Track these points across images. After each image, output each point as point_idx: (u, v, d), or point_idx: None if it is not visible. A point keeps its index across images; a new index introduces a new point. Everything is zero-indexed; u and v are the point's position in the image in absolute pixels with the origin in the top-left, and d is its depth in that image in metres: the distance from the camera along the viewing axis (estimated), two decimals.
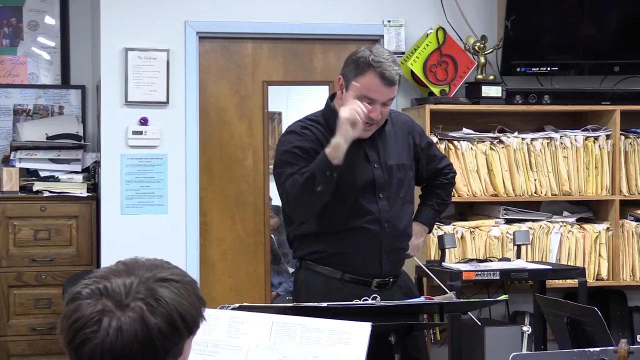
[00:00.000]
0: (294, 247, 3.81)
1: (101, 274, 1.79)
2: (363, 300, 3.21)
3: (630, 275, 5.62)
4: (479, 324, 4.26)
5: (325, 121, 3.72)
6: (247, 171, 5.64)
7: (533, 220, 5.53)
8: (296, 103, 7.10)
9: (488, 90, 5.53)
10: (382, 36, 5.60)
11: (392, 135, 3.79)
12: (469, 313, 3.97)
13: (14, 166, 5.50)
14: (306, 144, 3.66)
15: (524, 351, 4.79)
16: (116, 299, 1.74)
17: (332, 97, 3.80)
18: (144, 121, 5.40)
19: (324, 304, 3.13)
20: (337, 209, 3.63)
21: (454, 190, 4.48)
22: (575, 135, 5.59)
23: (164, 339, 1.74)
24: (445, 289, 4.05)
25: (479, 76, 5.61)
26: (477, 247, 5.40)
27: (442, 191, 4.01)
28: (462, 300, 4.15)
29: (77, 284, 1.79)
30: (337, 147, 3.51)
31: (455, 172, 4.07)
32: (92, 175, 5.65)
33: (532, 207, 5.62)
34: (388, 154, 3.75)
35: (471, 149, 5.45)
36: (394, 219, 3.72)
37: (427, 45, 5.52)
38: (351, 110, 3.52)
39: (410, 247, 3.88)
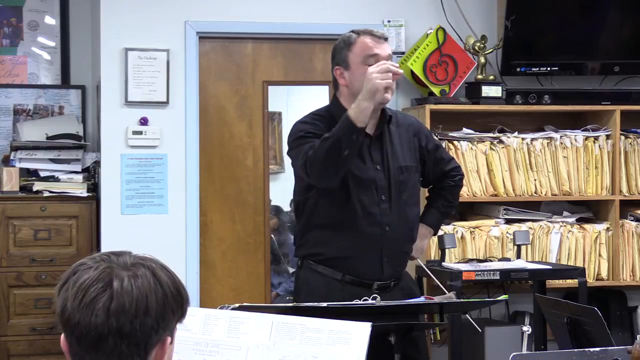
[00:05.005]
0: (298, 243, 3.77)
1: (97, 255, 1.77)
2: (363, 300, 3.21)
3: (630, 275, 5.62)
4: (479, 329, 4.25)
5: (331, 115, 3.70)
6: (247, 171, 5.64)
7: (533, 220, 5.53)
8: (296, 103, 7.10)
9: (488, 90, 5.53)
10: None
11: (397, 137, 3.76)
12: (467, 316, 3.96)
13: (14, 166, 5.49)
14: (317, 130, 3.63)
15: (524, 351, 4.77)
16: (122, 265, 1.72)
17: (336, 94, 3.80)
18: (144, 121, 5.40)
19: (324, 304, 3.12)
20: (337, 210, 3.62)
21: None
22: (575, 135, 5.59)
23: (172, 295, 1.73)
24: (444, 289, 4.04)
25: (479, 76, 5.61)
26: (477, 247, 5.40)
27: (449, 193, 3.98)
28: (462, 300, 4.14)
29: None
30: (363, 109, 3.47)
31: (462, 175, 4.04)
32: (92, 175, 5.64)
33: (532, 207, 5.62)
34: (392, 155, 3.72)
35: (471, 149, 5.45)
36: (395, 221, 3.68)
37: (427, 45, 5.52)
38: (380, 74, 3.48)
39: (414, 250, 3.84)
